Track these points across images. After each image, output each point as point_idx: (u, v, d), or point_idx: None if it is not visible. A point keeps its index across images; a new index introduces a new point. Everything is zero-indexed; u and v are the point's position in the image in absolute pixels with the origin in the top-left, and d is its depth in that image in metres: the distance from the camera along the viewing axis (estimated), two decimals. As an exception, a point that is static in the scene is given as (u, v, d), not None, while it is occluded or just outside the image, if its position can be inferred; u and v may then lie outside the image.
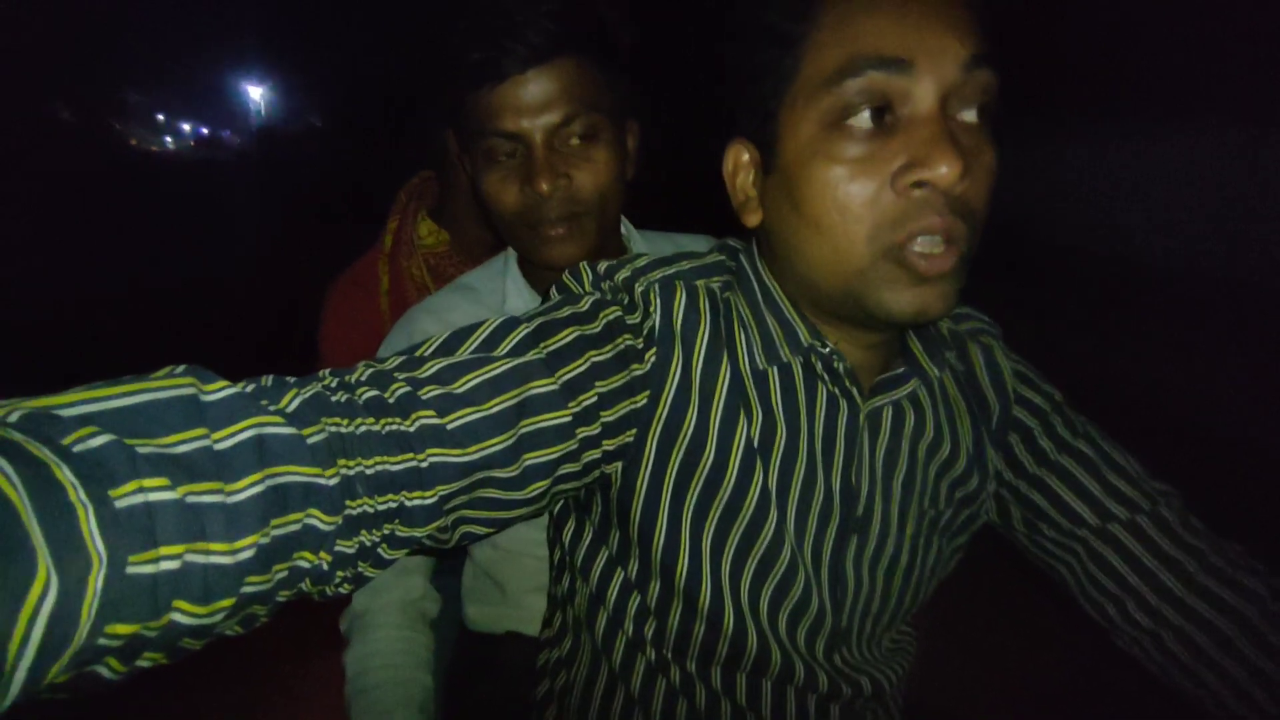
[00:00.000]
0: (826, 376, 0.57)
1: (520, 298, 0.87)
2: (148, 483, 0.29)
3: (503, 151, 0.75)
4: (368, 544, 0.40)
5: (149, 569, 0.28)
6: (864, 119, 0.47)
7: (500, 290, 0.88)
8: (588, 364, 0.50)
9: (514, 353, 0.48)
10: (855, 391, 0.57)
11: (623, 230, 0.92)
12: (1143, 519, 0.59)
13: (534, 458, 0.47)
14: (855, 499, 0.59)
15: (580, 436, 0.49)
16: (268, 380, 0.39)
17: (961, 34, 0.46)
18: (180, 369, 0.34)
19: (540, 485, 0.48)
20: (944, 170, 0.45)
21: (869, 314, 0.51)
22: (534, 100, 0.72)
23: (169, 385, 0.33)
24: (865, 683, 0.62)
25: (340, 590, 0.40)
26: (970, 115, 0.48)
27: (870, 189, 0.47)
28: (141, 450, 0.29)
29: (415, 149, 1.25)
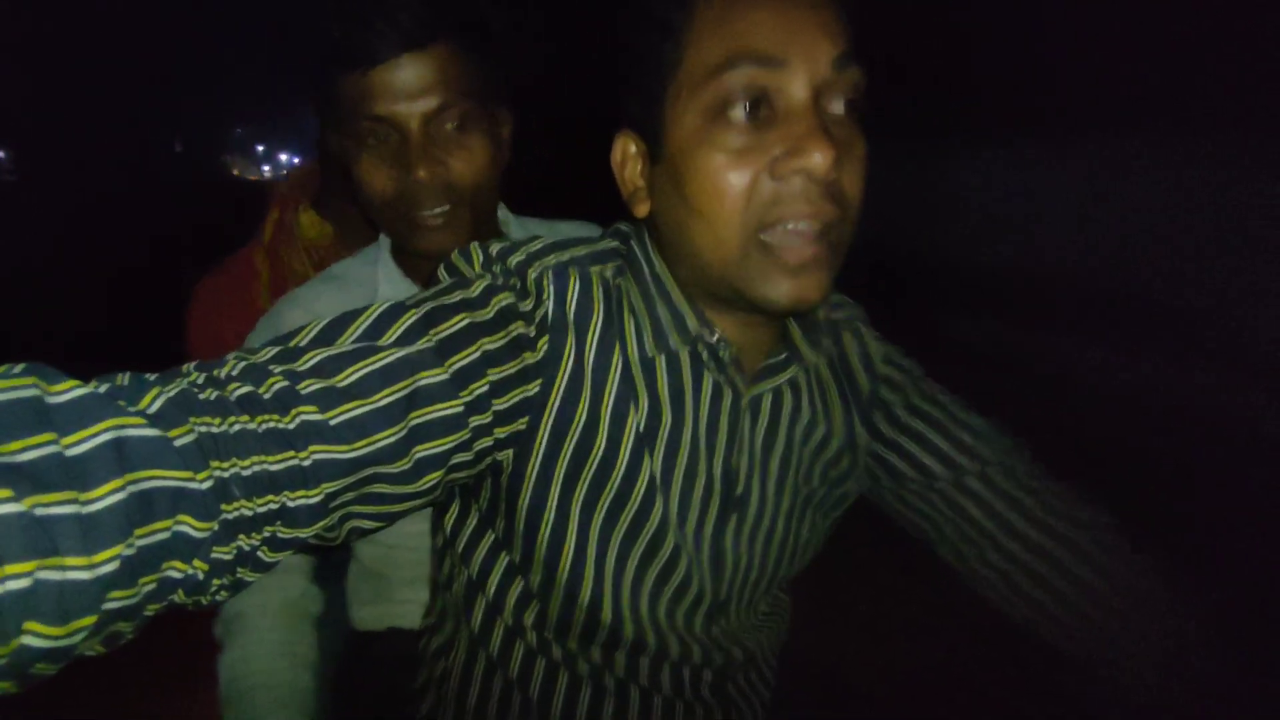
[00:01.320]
0: (713, 365, 0.59)
1: (394, 287, 0.85)
2: None
3: (375, 136, 0.73)
4: (246, 548, 0.37)
5: None
6: (742, 111, 0.49)
7: (372, 279, 0.86)
8: (479, 351, 0.49)
9: (401, 341, 0.47)
10: (739, 380, 0.60)
11: (500, 216, 0.91)
12: (992, 469, 0.64)
13: (425, 449, 0.45)
14: (735, 481, 0.61)
15: (473, 425, 0.48)
16: (123, 379, 0.36)
17: (831, 34, 0.49)
18: (19, 368, 0.31)
19: (433, 477, 0.47)
20: (818, 159, 0.47)
21: (749, 303, 0.53)
22: (409, 85, 0.71)
23: (6, 386, 0.29)
24: (737, 651, 0.66)
25: (216, 599, 0.38)
26: (840, 108, 0.51)
27: (748, 177, 0.49)
28: None
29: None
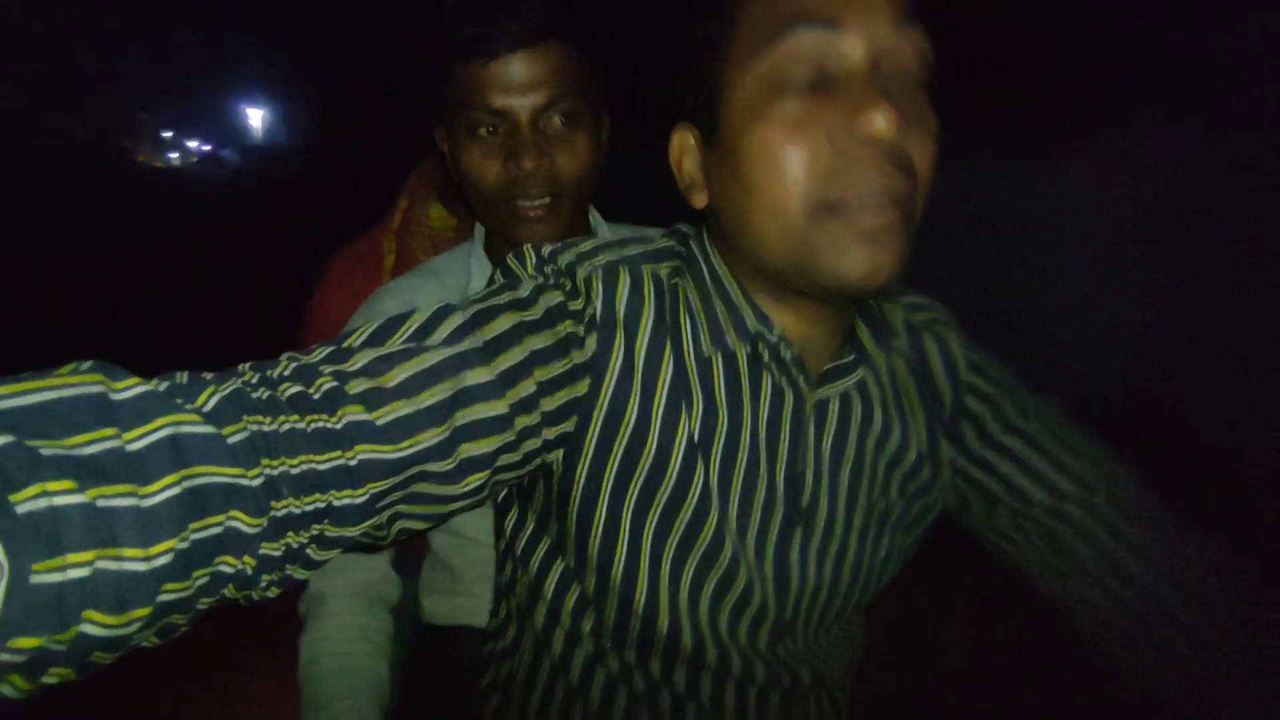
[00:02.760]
0: (773, 365, 0.57)
1: (484, 279, 0.87)
2: (52, 485, 0.27)
3: (485, 126, 0.77)
4: (295, 546, 0.38)
5: (55, 577, 0.27)
6: (797, 80, 0.47)
7: (465, 272, 0.89)
8: (526, 351, 0.49)
9: (449, 341, 0.47)
10: (801, 380, 0.57)
11: (590, 219, 0.93)
12: (1097, 497, 0.59)
13: (471, 450, 0.46)
14: (800, 490, 0.58)
15: (519, 426, 0.48)
16: (183, 377, 0.38)
17: None
18: (86, 365, 0.33)
19: (478, 477, 0.47)
20: (881, 123, 0.45)
21: (817, 282, 0.50)
22: (522, 79, 0.75)
23: (74, 382, 0.31)
24: (805, 673, 0.62)
25: (267, 595, 0.39)
26: (906, 79, 0.48)
27: (807, 148, 0.47)
28: (45, 451, 0.28)
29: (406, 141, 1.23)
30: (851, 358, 0.59)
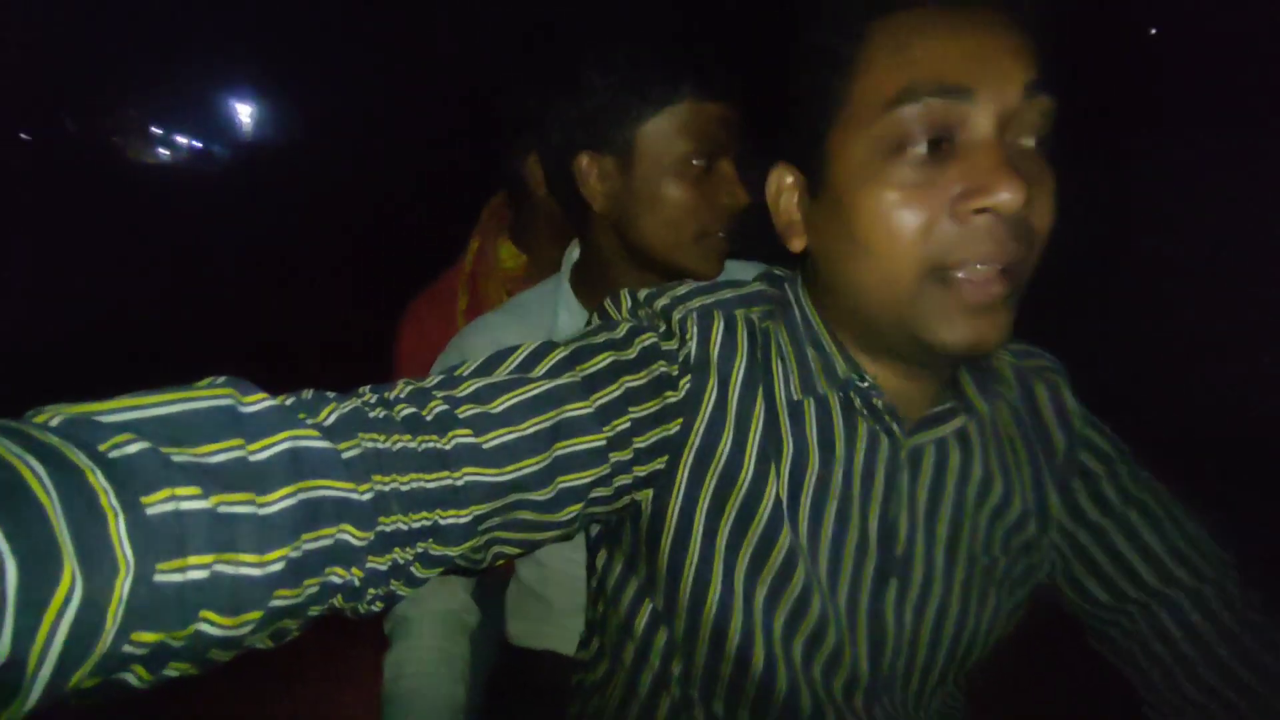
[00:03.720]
0: (866, 412, 0.56)
1: (571, 316, 0.89)
2: (180, 491, 0.29)
3: (695, 165, 0.79)
4: (400, 561, 0.40)
5: (177, 577, 0.28)
6: (920, 146, 0.46)
7: (552, 309, 0.90)
8: (622, 389, 0.50)
9: (550, 375, 0.49)
10: (895, 427, 0.55)
11: None
12: (1208, 587, 0.56)
13: (568, 480, 0.47)
14: (895, 538, 0.56)
15: (613, 460, 0.49)
16: (308, 394, 0.40)
17: (1022, 60, 0.45)
18: (221, 380, 0.35)
19: (574, 509, 0.48)
20: (1006, 197, 0.44)
21: (921, 345, 0.49)
22: (735, 119, 0.80)
23: (209, 395, 0.33)
24: None
25: (373, 608, 0.40)
26: (1029, 141, 0.47)
27: (926, 216, 0.46)
28: (176, 458, 0.30)
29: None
30: (950, 404, 0.57)
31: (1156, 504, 0.59)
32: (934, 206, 0.46)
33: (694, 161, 0.79)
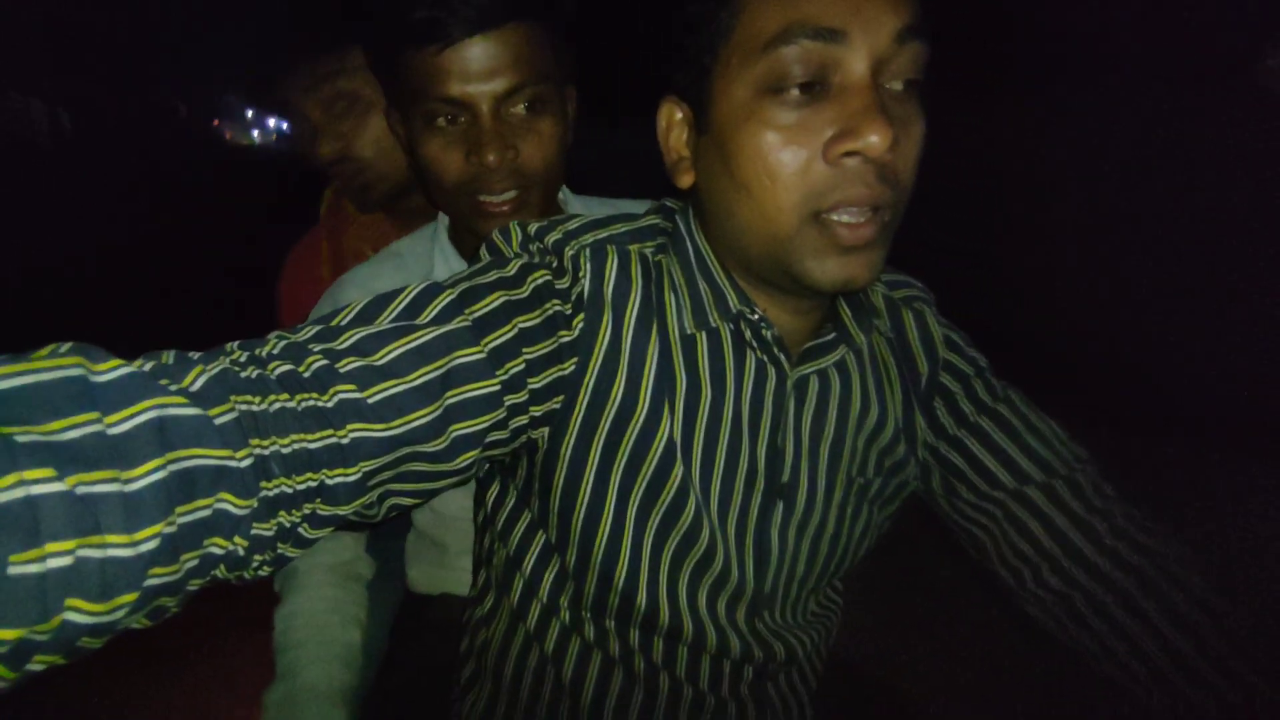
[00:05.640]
0: (755, 344, 0.58)
1: (449, 266, 0.86)
2: (29, 474, 0.27)
3: (443, 116, 0.72)
4: (287, 525, 0.39)
5: (34, 568, 0.26)
6: (796, 87, 0.47)
7: (428, 257, 0.87)
8: (515, 330, 0.49)
9: (438, 320, 0.47)
10: (783, 359, 0.58)
11: (560, 196, 0.90)
12: (1058, 483, 0.60)
13: (462, 428, 0.46)
14: (780, 465, 0.60)
15: (508, 404, 0.48)
16: (169, 357, 0.37)
17: (896, 4, 0.46)
18: (65, 347, 0.32)
19: (470, 455, 0.47)
20: (874, 140, 0.45)
21: (796, 281, 0.51)
22: (481, 66, 0.70)
23: (53, 365, 0.30)
24: (779, 648, 0.64)
25: (259, 574, 0.39)
26: (899, 85, 0.48)
27: (802, 157, 0.48)
28: (21, 439, 0.27)
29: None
30: (832, 336, 0.60)
31: (1010, 412, 0.64)
32: (810, 148, 0.48)
33: (438, 120, 0.74)
